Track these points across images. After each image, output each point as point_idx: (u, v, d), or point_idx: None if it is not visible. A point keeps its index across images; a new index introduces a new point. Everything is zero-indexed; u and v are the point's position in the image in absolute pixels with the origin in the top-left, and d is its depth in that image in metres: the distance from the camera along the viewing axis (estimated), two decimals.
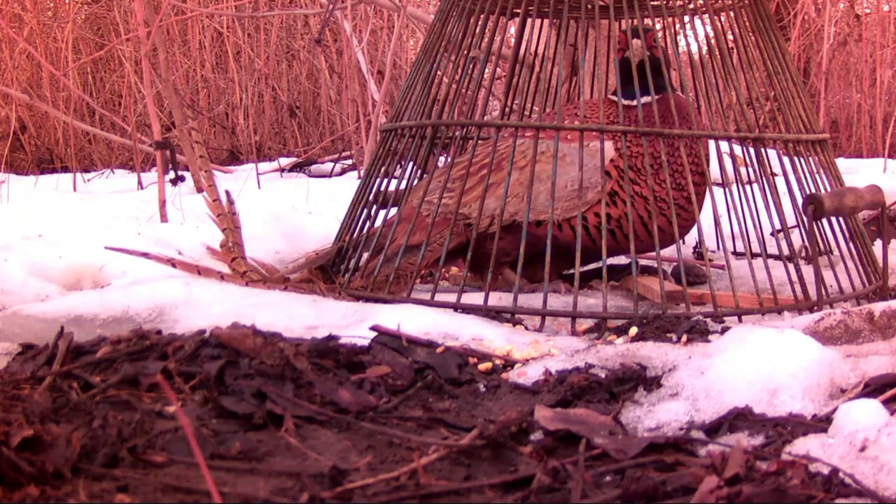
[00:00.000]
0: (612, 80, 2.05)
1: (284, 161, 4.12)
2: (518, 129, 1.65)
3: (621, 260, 2.00)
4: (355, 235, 1.75)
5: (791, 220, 1.84)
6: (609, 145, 1.66)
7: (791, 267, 1.58)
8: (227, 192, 1.69)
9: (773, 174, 1.66)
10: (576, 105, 1.76)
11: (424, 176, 1.78)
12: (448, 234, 1.61)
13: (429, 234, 1.62)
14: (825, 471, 0.84)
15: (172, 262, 1.60)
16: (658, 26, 1.93)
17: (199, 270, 1.59)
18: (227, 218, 1.66)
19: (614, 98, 1.71)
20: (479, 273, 1.77)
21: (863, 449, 0.85)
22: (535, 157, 1.59)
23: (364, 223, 1.76)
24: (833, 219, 1.71)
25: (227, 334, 1.10)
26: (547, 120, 1.71)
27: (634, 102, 1.63)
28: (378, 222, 1.76)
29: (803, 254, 1.98)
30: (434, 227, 1.63)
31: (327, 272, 1.71)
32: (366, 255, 1.70)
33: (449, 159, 1.80)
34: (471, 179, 1.70)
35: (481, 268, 1.70)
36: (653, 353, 1.15)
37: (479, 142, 1.72)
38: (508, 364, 1.21)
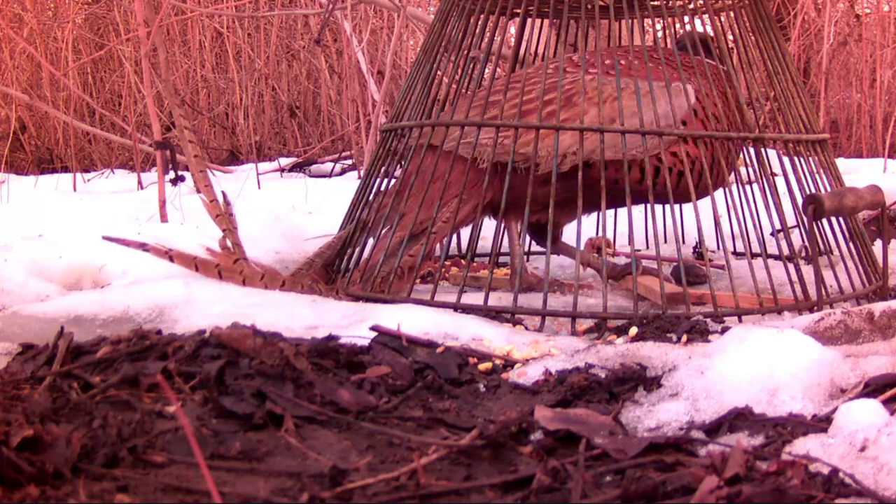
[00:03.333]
0: None
1: (284, 161, 4.11)
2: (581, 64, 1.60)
3: (621, 260, 2.00)
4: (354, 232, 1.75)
5: (791, 220, 1.84)
6: (689, 88, 1.63)
7: (791, 267, 1.58)
8: (224, 193, 1.69)
9: (773, 174, 1.66)
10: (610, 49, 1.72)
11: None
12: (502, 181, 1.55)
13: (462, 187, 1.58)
14: (825, 471, 0.83)
15: (170, 255, 1.60)
16: (658, 26, 1.93)
17: (197, 264, 1.59)
18: (226, 218, 1.66)
19: None
20: (513, 215, 1.71)
21: (863, 449, 0.85)
22: (619, 92, 1.56)
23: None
24: (833, 219, 1.71)
25: (227, 334, 1.10)
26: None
27: None
28: None
29: (803, 254, 1.98)
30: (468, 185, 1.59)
31: (328, 272, 1.71)
32: (370, 243, 1.69)
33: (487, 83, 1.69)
34: (530, 117, 1.60)
35: (514, 212, 1.67)
36: (653, 353, 1.15)
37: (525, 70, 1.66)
38: (508, 364, 1.21)
